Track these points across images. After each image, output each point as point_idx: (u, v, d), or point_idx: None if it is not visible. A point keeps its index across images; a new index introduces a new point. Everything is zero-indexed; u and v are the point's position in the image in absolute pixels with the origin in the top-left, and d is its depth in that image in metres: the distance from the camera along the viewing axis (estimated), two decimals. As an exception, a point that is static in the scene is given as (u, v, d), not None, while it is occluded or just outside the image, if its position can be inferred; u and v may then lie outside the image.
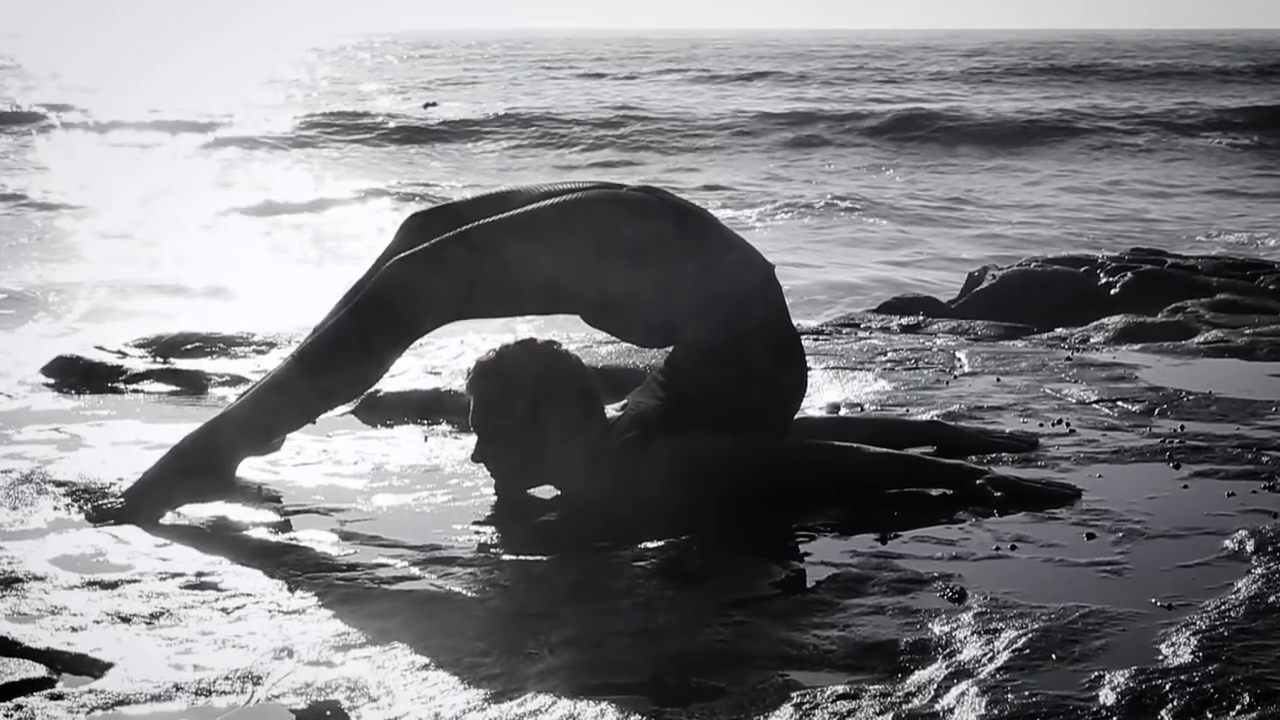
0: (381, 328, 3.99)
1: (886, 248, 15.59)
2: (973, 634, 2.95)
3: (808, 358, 5.83)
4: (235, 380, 5.58)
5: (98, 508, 3.94)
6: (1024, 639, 2.89)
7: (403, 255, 4.06)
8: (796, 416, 4.47)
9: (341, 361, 4.00)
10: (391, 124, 30.05)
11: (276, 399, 4.06)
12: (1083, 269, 9.05)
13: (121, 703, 2.72)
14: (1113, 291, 8.60)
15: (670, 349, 4.20)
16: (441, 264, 3.99)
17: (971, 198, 20.00)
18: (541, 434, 4.02)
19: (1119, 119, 30.28)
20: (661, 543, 3.66)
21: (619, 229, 4.01)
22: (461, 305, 4.04)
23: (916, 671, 2.79)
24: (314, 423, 4.21)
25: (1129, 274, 8.77)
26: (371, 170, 23.34)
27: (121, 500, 3.96)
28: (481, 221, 4.07)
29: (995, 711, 2.57)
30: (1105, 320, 7.37)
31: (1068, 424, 4.78)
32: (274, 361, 5.80)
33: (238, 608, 3.22)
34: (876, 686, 2.72)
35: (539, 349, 4.11)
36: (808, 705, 2.64)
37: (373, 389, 4.92)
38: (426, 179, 22.57)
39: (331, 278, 12.36)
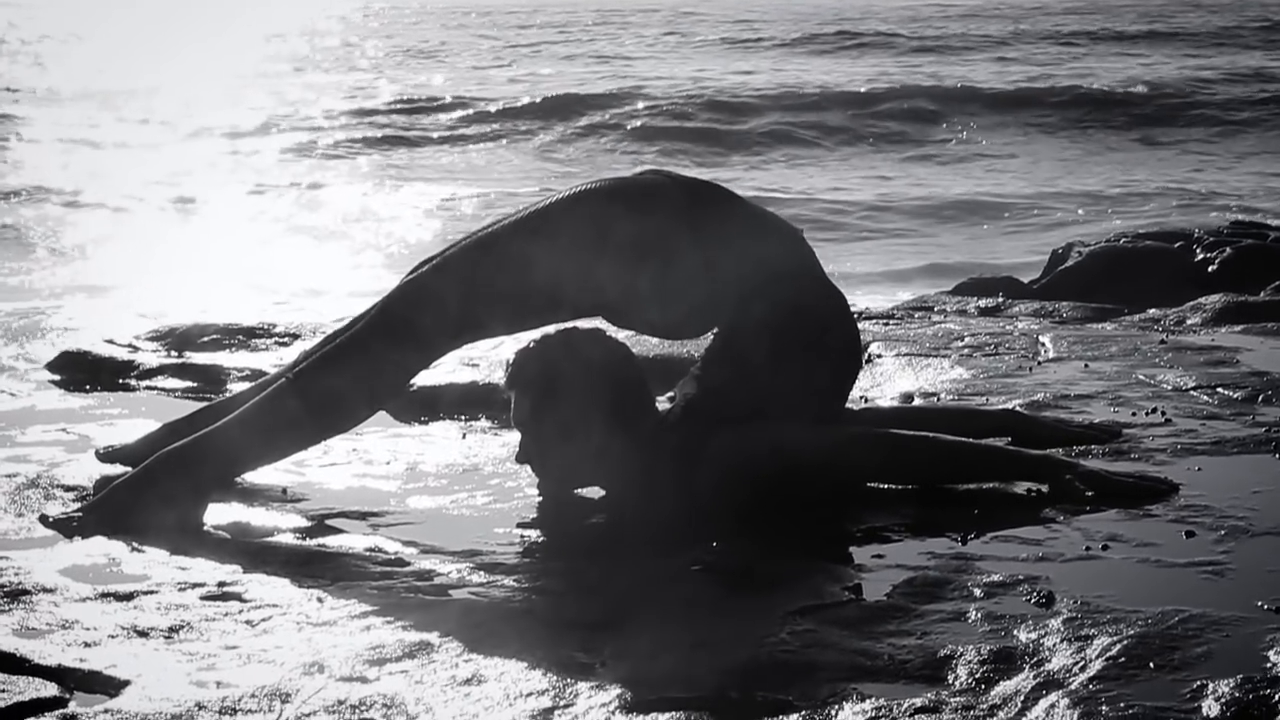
0: (390, 339, 4.04)
1: (973, 235, 15.46)
2: (1062, 641, 2.94)
3: (878, 344, 5.84)
4: (256, 375, 5.60)
5: (51, 516, 3.96)
6: (1118, 646, 2.89)
7: (412, 270, 4.21)
8: (863, 407, 4.48)
9: (352, 378, 4.03)
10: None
11: (283, 408, 4.04)
12: (1177, 244, 8.98)
13: (140, 723, 2.75)
14: (1210, 268, 8.54)
15: (711, 337, 4.22)
16: (443, 265, 4.13)
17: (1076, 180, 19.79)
18: (587, 429, 4.03)
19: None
20: (720, 546, 3.67)
21: (623, 220, 4.04)
22: (464, 306, 4.04)
23: (1001, 682, 2.79)
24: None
25: (1228, 249, 8.70)
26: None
27: (80, 514, 3.95)
28: (493, 224, 4.20)
29: (1088, 725, 2.57)
30: (1203, 300, 7.32)
31: (1163, 413, 4.75)
32: (295, 355, 5.82)
33: (264, 619, 3.24)
34: (958, 699, 2.72)
35: (583, 337, 4.12)
36: (883, 719, 2.65)
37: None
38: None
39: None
